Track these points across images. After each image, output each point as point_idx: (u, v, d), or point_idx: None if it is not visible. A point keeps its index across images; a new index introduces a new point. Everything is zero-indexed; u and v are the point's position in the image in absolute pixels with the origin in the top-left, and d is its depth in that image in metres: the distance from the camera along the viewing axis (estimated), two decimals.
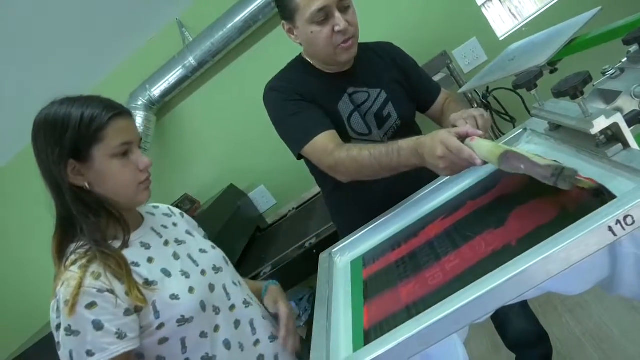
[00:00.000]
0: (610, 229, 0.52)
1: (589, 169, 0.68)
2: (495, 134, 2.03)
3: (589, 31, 1.20)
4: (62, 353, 0.77)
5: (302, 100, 1.12)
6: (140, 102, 2.24)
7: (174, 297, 0.84)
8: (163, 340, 0.84)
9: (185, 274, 0.89)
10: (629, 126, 0.66)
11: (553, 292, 0.73)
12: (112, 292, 0.78)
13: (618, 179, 0.62)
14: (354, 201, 1.18)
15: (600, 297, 1.65)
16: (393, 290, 0.75)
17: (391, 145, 0.94)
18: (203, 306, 0.88)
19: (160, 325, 0.83)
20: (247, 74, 2.30)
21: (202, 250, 0.99)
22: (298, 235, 1.96)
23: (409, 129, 1.23)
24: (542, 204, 0.69)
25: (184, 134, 2.46)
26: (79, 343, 0.75)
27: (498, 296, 0.54)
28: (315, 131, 1.07)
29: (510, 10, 2.28)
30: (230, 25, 2.10)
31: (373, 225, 1.02)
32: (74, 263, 0.80)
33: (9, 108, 1.90)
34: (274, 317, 1.04)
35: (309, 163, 1.19)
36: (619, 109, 0.75)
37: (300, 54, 1.22)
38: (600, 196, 0.60)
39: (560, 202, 0.65)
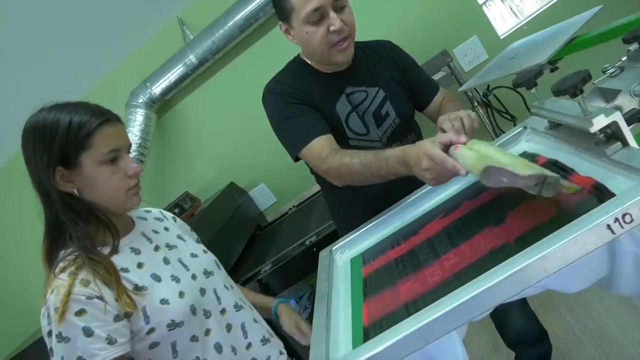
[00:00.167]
0: (608, 227, 0.52)
1: (588, 167, 0.69)
2: (495, 132, 2.03)
3: (589, 30, 1.20)
4: (55, 359, 0.78)
5: (300, 103, 1.12)
6: (140, 100, 2.24)
7: (164, 301, 0.85)
8: (154, 345, 0.84)
9: (176, 279, 0.90)
10: (629, 125, 0.66)
11: (552, 289, 0.73)
12: (101, 298, 0.78)
13: (617, 177, 0.62)
14: (353, 200, 1.19)
15: (601, 296, 1.65)
16: (392, 287, 0.75)
17: (381, 153, 0.95)
18: (193, 310, 0.88)
19: (151, 330, 0.83)
20: (248, 72, 2.30)
21: (193, 255, 0.99)
22: (298, 233, 1.96)
23: (407, 127, 1.23)
24: (540, 202, 0.69)
25: (184, 132, 2.46)
26: (70, 349, 0.76)
27: (496, 294, 0.55)
28: (310, 136, 1.08)
29: (511, 9, 2.28)
30: (231, 23, 2.09)
31: (373, 224, 1.02)
32: (63, 270, 0.81)
33: (9, 107, 1.90)
34: (291, 337, 1.08)
35: None
36: (618, 108, 0.75)
37: (299, 54, 1.22)
38: (598, 194, 0.61)
39: (559, 201, 0.65)
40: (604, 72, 0.86)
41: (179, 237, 1.03)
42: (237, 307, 0.99)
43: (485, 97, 2.01)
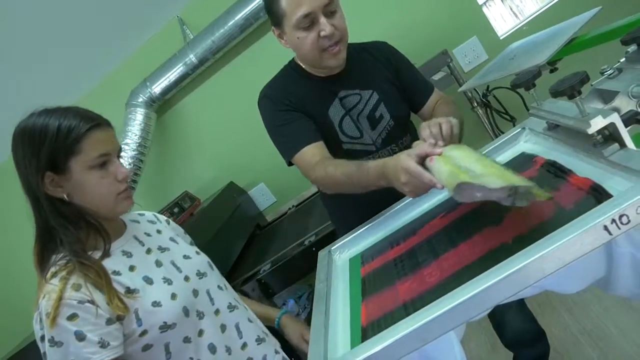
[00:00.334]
0: (605, 228, 0.52)
1: (586, 168, 0.69)
2: (494, 132, 2.03)
3: (588, 31, 1.20)
4: None
5: (292, 110, 1.13)
6: (140, 100, 2.24)
7: (156, 304, 0.85)
8: (147, 347, 0.84)
9: (168, 281, 0.90)
10: (626, 126, 0.66)
11: (549, 290, 0.73)
12: (92, 302, 0.78)
13: (614, 179, 0.62)
14: (350, 202, 1.19)
15: (599, 297, 1.66)
16: (391, 287, 0.76)
17: (363, 164, 0.97)
18: (186, 311, 0.88)
19: (143, 332, 0.83)
20: (248, 71, 2.30)
21: (185, 257, 1.00)
22: (297, 232, 1.96)
23: (403, 129, 1.23)
24: (539, 202, 0.69)
25: (184, 132, 2.46)
26: (62, 354, 0.77)
27: (494, 294, 0.55)
28: (301, 144, 1.10)
29: (511, 9, 2.28)
30: (231, 22, 2.10)
31: (372, 224, 1.02)
32: (54, 275, 0.81)
33: (11, 103, 1.90)
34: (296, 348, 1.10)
35: None
36: (616, 109, 0.75)
37: (294, 57, 1.22)
38: (596, 195, 0.61)
39: (557, 201, 0.66)
40: (602, 73, 0.86)
41: (172, 239, 1.03)
42: (231, 308, 0.99)
43: (485, 97, 2.02)
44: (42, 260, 0.85)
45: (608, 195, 0.59)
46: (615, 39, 0.95)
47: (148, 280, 0.88)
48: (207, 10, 2.17)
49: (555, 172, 0.73)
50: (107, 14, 1.94)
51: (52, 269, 0.82)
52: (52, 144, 0.82)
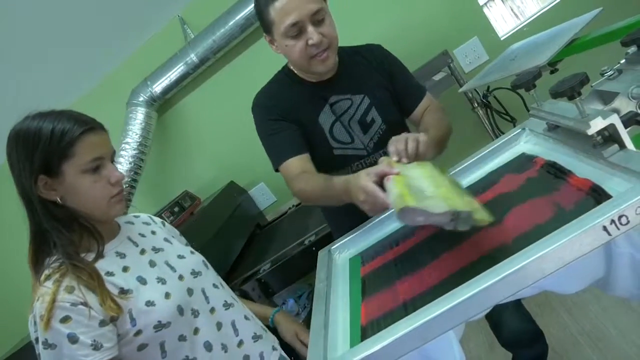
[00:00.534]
0: (604, 228, 0.52)
1: (585, 169, 0.69)
2: (495, 133, 2.03)
3: (589, 32, 1.20)
4: None
5: (282, 119, 1.15)
6: (141, 99, 2.24)
7: (150, 303, 0.85)
8: (142, 347, 0.85)
9: (162, 281, 0.90)
10: (626, 127, 0.66)
11: (548, 290, 0.74)
12: (85, 304, 0.79)
13: (614, 179, 0.63)
14: (343, 207, 1.19)
15: (598, 297, 1.66)
16: (390, 287, 0.76)
17: (329, 180, 0.99)
18: (180, 310, 0.89)
19: (138, 332, 0.84)
20: (249, 71, 2.30)
21: (180, 256, 1.00)
22: (298, 232, 1.97)
23: (396, 133, 1.22)
24: (538, 203, 0.69)
25: (185, 131, 2.47)
26: (56, 356, 0.77)
27: (493, 294, 0.55)
28: (286, 155, 1.12)
29: (512, 10, 2.28)
30: (232, 22, 2.10)
31: (371, 224, 1.02)
32: (48, 278, 0.81)
33: (11, 103, 1.90)
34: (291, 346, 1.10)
35: None
36: (616, 110, 0.75)
37: (287, 63, 1.22)
38: (595, 196, 0.61)
39: (557, 202, 0.66)
40: (602, 74, 0.86)
41: (166, 240, 1.04)
42: (227, 305, 0.99)
43: (485, 98, 2.02)
44: (37, 263, 0.86)
45: (607, 196, 0.59)
46: (615, 40, 0.95)
47: (142, 281, 0.88)
48: (208, 10, 2.17)
49: (555, 172, 0.73)
50: (107, 13, 1.94)
51: (46, 272, 0.83)
52: (46, 148, 0.82)
